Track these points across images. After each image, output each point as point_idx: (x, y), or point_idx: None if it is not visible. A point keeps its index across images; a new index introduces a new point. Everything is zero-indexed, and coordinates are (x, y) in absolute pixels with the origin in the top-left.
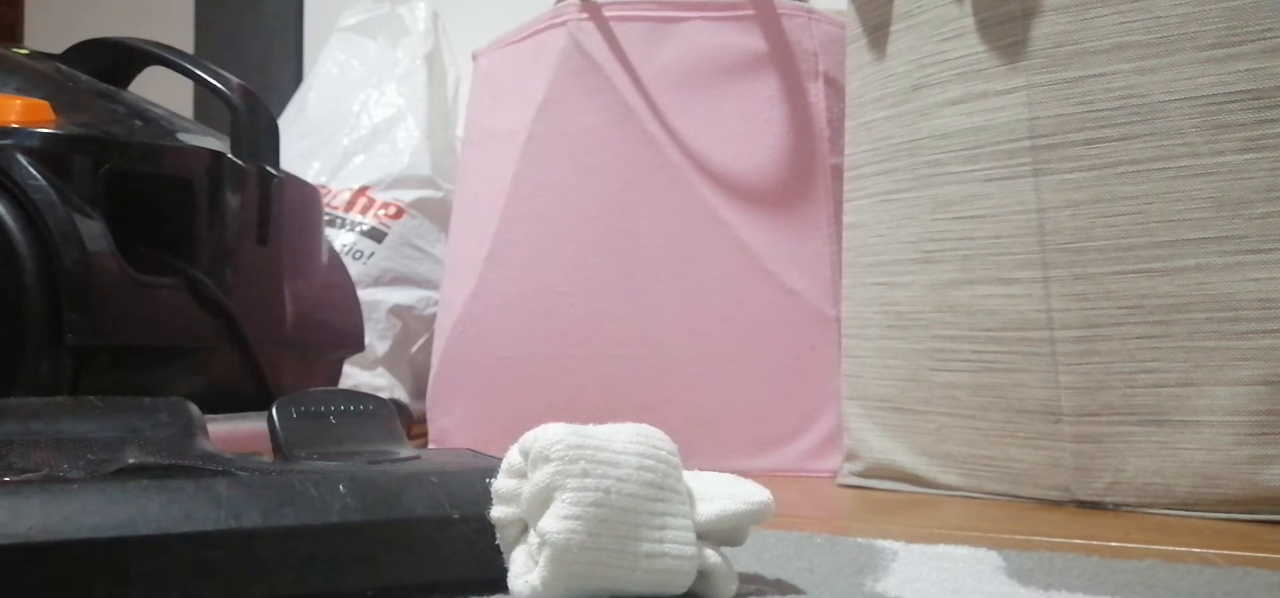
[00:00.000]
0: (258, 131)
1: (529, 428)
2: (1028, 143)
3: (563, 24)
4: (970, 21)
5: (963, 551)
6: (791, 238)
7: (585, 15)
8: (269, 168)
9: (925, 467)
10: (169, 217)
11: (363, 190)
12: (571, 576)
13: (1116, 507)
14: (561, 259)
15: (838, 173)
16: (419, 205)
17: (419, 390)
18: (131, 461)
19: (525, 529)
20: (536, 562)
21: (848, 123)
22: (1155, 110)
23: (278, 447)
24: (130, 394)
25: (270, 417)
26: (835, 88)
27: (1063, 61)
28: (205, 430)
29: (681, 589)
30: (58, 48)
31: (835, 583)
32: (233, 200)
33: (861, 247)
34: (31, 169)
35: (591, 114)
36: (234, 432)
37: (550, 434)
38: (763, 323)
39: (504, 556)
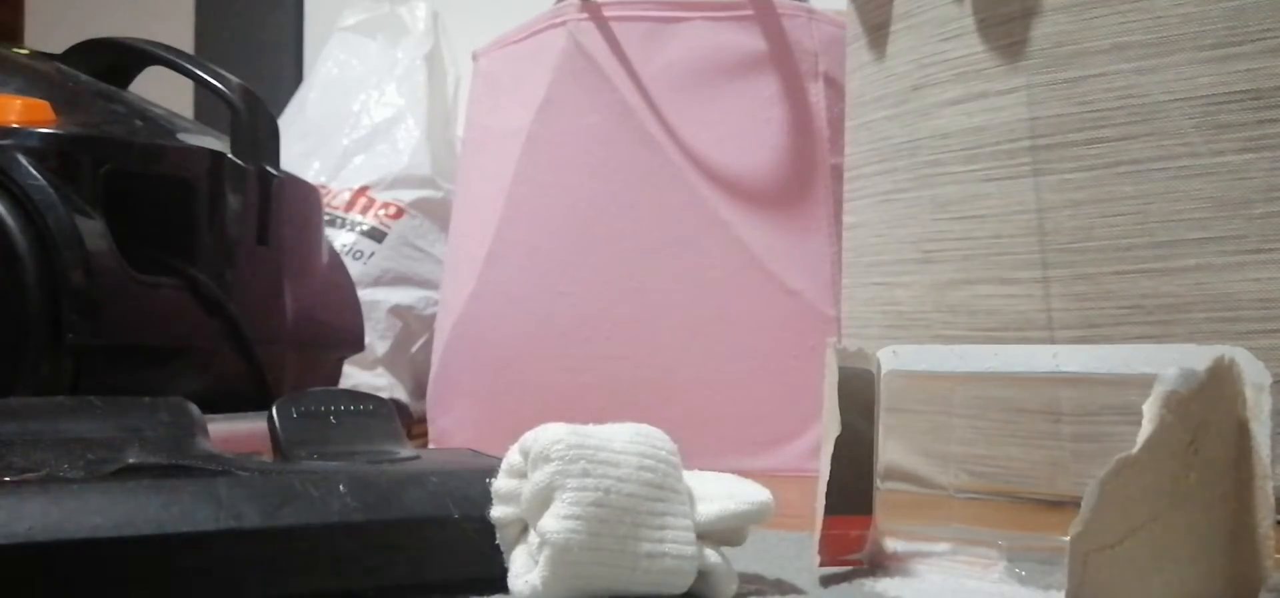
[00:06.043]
0: (258, 132)
1: (529, 428)
2: (1028, 143)
3: (563, 24)
4: (970, 21)
5: (963, 551)
6: (791, 238)
7: (585, 15)
8: (269, 168)
9: (925, 467)
10: (169, 217)
11: (363, 190)
12: (571, 576)
13: None
14: (561, 259)
15: (838, 173)
16: (419, 205)
17: (419, 390)
18: (131, 460)
19: (525, 529)
20: (536, 562)
21: (848, 123)
22: (1155, 110)
23: (278, 447)
24: (130, 394)
25: (270, 417)
26: (835, 88)
27: (1063, 61)
28: (205, 430)
29: (681, 589)
30: (58, 48)
31: (835, 583)
32: (233, 200)
33: (861, 247)
34: (31, 169)
35: (591, 114)
36: (234, 432)
37: (550, 434)
38: (763, 323)
39: (504, 556)
